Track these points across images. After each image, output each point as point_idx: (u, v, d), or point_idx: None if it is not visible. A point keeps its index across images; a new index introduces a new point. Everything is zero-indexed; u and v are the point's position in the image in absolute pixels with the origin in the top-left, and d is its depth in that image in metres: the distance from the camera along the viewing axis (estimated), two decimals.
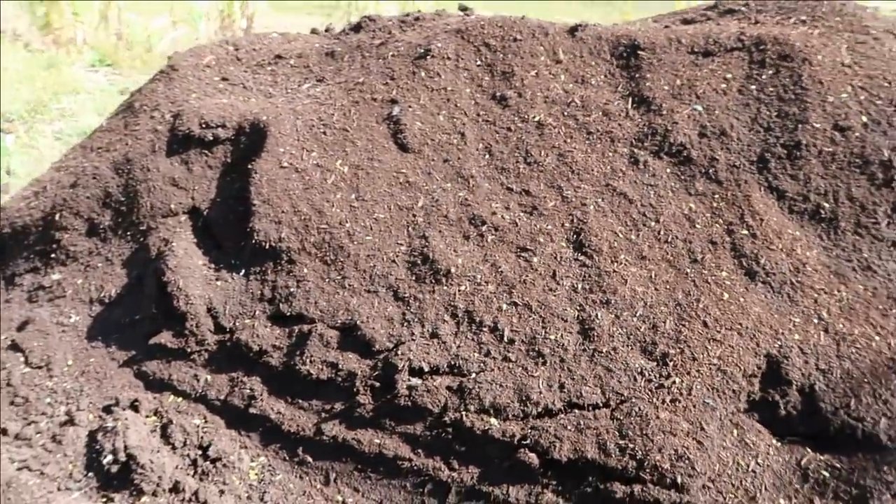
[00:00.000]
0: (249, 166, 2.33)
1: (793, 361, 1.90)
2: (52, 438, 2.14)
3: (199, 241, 2.37)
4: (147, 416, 2.16)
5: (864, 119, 2.13)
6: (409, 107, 2.36)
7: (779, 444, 1.89)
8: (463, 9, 3.05)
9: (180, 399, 2.22)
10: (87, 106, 6.45)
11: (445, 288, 2.07)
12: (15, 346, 2.38)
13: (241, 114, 2.45)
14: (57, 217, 2.56)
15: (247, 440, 2.13)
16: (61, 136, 5.75)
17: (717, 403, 1.87)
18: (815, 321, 1.96)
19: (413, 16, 2.80)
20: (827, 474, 1.83)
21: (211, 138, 2.45)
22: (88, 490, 2.02)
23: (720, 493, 1.81)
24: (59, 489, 2.01)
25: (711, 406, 1.87)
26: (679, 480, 1.78)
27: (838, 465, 1.83)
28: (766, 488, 1.82)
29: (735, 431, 1.89)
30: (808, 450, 1.87)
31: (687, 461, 1.80)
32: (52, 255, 2.58)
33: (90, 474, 2.05)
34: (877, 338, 1.92)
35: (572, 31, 2.47)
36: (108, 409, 2.20)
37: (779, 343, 1.93)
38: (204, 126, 2.45)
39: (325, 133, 2.37)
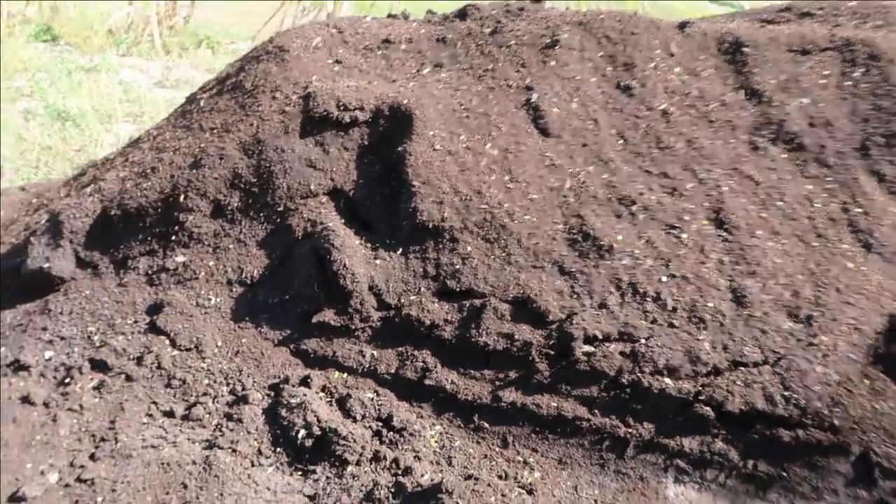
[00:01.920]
0: (400, 149, 2.39)
1: None
2: (228, 417, 2.15)
3: (347, 221, 2.42)
4: (317, 393, 2.21)
5: None
6: (545, 94, 2.51)
7: None
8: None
9: (346, 375, 2.28)
10: (45, 84, 6.07)
11: (608, 262, 2.25)
12: (156, 329, 2.35)
13: (377, 97, 2.50)
14: (181, 198, 2.51)
15: (420, 410, 2.23)
16: (32, 115, 5.40)
17: (857, 357, 2.17)
18: None
19: (516, 5, 2.92)
20: None
21: (348, 120, 2.48)
22: (280, 465, 2.06)
23: (864, 432, 2.11)
24: (252, 465, 2.04)
25: (854, 359, 2.17)
26: (836, 423, 2.07)
27: None
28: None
29: (867, 381, 2.20)
30: None
31: (841, 406, 2.08)
32: (174, 238, 2.53)
33: (279, 450, 2.09)
34: None
35: (681, 26, 2.69)
36: (276, 388, 2.23)
37: (893, 294, 2.26)
38: (342, 108, 2.48)
39: (468, 118, 2.47)
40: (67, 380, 2.26)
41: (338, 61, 2.73)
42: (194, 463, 2.00)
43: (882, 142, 2.47)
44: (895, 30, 2.68)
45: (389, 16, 3.22)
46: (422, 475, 1.96)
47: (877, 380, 2.21)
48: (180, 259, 2.51)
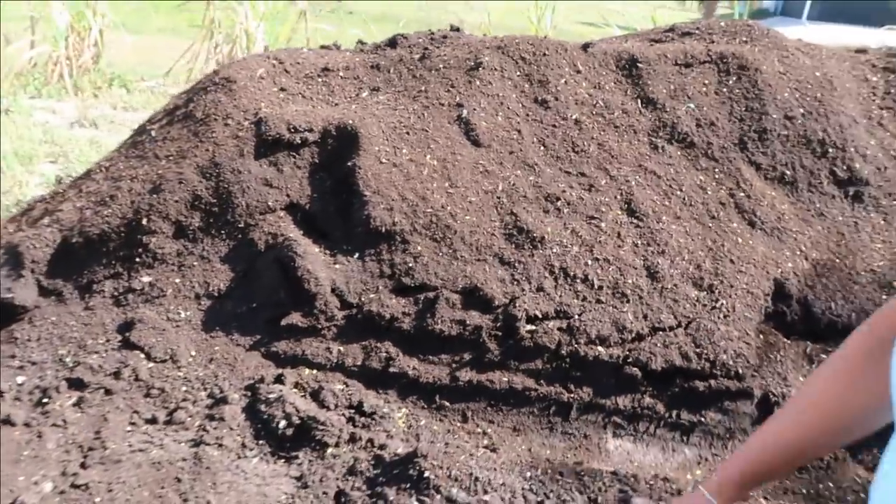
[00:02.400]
0: (350, 164, 2.65)
1: (791, 282, 2.67)
2: (210, 418, 2.32)
3: (305, 232, 2.64)
4: (291, 389, 2.41)
5: (801, 111, 2.99)
6: (474, 109, 2.84)
7: (789, 340, 2.64)
8: (455, 28, 3.56)
9: (316, 371, 2.49)
10: None
11: (541, 251, 2.58)
12: (130, 344, 2.49)
13: (324, 119, 2.76)
14: (144, 222, 2.66)
15: (386, 396, 2.47)
16: None
17: (752, 315, 2.58)
18: (798, 253, 2.75)
19: (440, 34, 3.25)
20: (824, 356, 2.61)
21: (299, 141, 2.73)
22: (264, 455, 2.24)
23: (763, 378, 2.51)
24: (238, 457, 2.21)
25: (749, 318, 2.57)
26: (740, 372, 2.46)
27: (830, 348, 2.62)
28: (789, 370, 2.56)
29: (762, 335, 2.61)
30: (809, 342, 2.64)
31: (743, 357, 2.48)
32: (138, 259, 2.68)
33: (261, 442, 2.27)
34: (836, 260, 2.76)
35: (584, 47, 3.10)
36: (252, 388, 2.41)
37: (780, 270, 2.69)
38: (292, 130, 2.72)
39: (408, 133, 2.76)
40: (45, 400, 2.36)
41: (282, 89, 2.97)
42: (184, 459, 2.16)
43: (755, 137, 2.93)
44: (757, 44, 3.18)
45: (322, 47, 3.49)
46: (395, 450, 2.20)
47: (769, 334, 2.63)
48: (146, 279, 2.65)
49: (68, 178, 5.16)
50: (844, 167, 2.92)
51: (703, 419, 2.48)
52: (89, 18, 8.87)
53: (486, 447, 2.25)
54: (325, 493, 2.07)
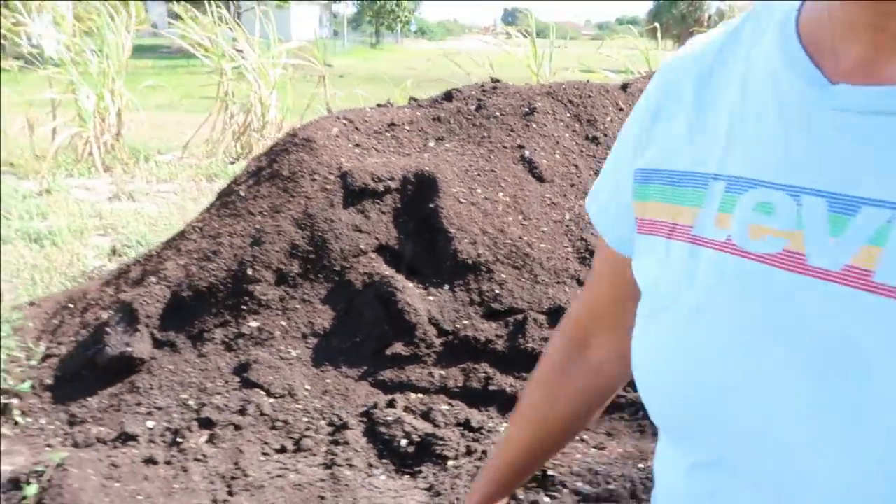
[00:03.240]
0: (432, 205, 2.94)
1: None
2: (335, 443, 2.53)
3: (396, 270, 2.90)
4: (402, 411, 2.63)
5: None
6: (534, 149, 3.15)
7: None
8: (495, 80, 3.91)
9: (421, 394, 2.71)
10: (15, 209, 6.29)
11: None
12: (250, 384, 2.71)
13: (402, 167, 3.06)
14: (249, 272, 2.92)
15: (488, 412, 2.69)
16: (4, 240, 5.58)
17: None
18: None
19: (489, 86, 3.59)
20: None
21: (381, 189, 3.01)
22: (389, 472, 2.45)
23: None
24: (367, 476, 2.42)
25: None
26: None
27: None
28: None
29: None
30: None
31: None
32: (244, 307, 2.92)
33: (384, 460, 2.48)
34: None
35: (623, 87, 3.43)
36: (367, 413, 2.63)
37: None
38: (375, 180, 3.01)
39: (478, 175, 3.06)
40: (179, 439, 2.58)
41: (357, 145, 3.27)
42: (321, 480, 2.36)
43: None
44: None
45: (379, 105, 3.82)
46: None
47: None
48: (254, 324, 2.90)
49: (123, 248, 5.44)
50: None
51: None
52: (108, 99, 9.31)
53: (594, 447, 2.47)
54: (457, 498, 2.27)
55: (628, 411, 2.69)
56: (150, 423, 2.70)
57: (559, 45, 10.61)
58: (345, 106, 9.75)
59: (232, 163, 9.07)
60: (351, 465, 2.42)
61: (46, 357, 3.20)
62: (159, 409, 2.73)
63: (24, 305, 4.15)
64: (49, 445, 2.77)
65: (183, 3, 12.19)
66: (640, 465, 2.34)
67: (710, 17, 41.96)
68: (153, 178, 8.05)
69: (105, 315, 3.19)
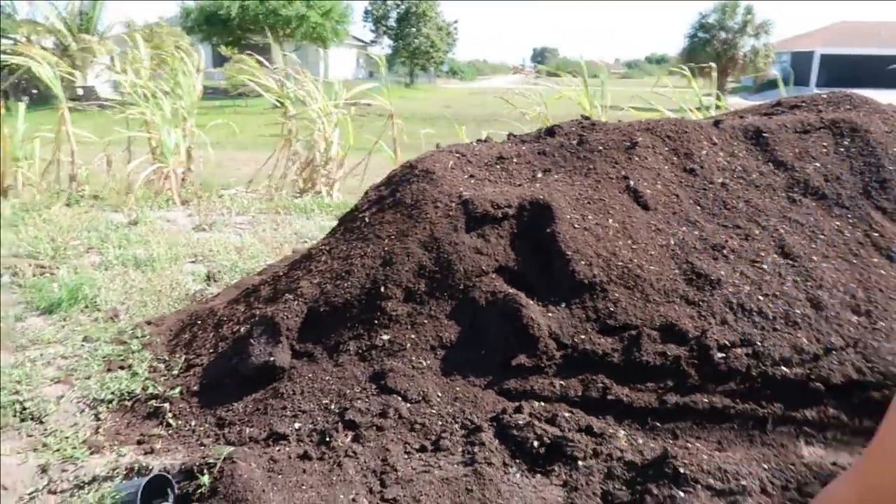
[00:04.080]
0: (549, 230, 3.21)
1: None
2: (470, 444, 2.77)
3: (515, 289, 3.16)
4: (529, 417, 2.86)
5: None
6: (638, 180, 3.41)
7: None
8: (585, 117, 4.21)
9: (543, 403, 2.94)
10: (97, 240, 6.71)
11: (719, 291, 3.07)
12: (387, 390, 2.98)
13: (518, 196, 3.34)
14: (382, 290, 3.21)
15: (605, 420, 2.90)
16: (106, 265, 5.97)
17: None
18: None
19: (582, 124, 3.89)
20: None
21: (500, 216, 3.30)
22: (522, 471, 2.67)
23: None
24: (505, 473, 2.64)
25: None
26: None
27: None
28: None
29: None
30: None
31: None
32: (376, 322, 3.20)
33: (517, 460, 2.71)
34: None
35: (716, 124, 3.70)
36: (496, 418, 2.87)
37: None
38: (494, 207, 3.30)
39: (588, 203, 3.33)
40: (327, 438, 2.84)
41: (471, 176, 3.58)
42: (465, 476, 2.60)
43: (877, 185, 3.45)
44: (861, 110, 3.76)
45: (478, 141, 4.13)
46: (637, 459, 2.62)
47: None
48: (385, 337, 3.17)
49: (219, 274, 5.78)
50: None
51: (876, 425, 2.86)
52: (178, 137, 9.86)
53: (715, 449, 2.67)
54: (593, 493, 2.49)
55: (737, 421, 2.88)
56: (297, 425, 2.97)
57: (597, 83, 10.89)
58: (409, 144, 10.14)
59: (297, 197, 9.51)
60: (489, 463, 2.66)
61: (189, 367, 3.50)
62: (303, 412, 3.00)
63: (143, 324, 4.50)
64: (203, 444, 3.06)
65: (244, 50, 12.84)
66: (765, 465, 2.53)
67: (745, 56, 42.29)
68: (227, 210, 8.49)
69: (242, 329, 3.50)
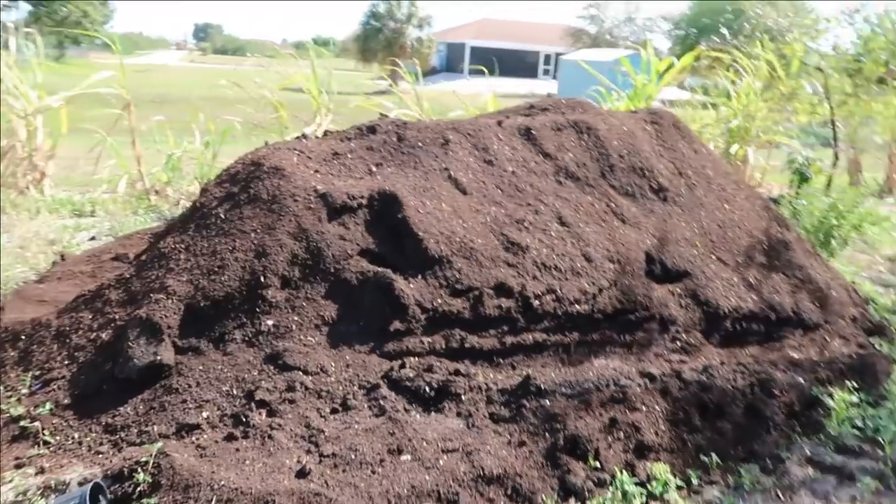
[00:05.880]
0: (400, 216, 3.81)
1: (652, 252, 4.50)
2: (374, 398, 3.29)
3: (383, 266, 3.71)
4: (412, 370, 3.48)
5: (626, 151, 4.91)
6: (456, 171, 4.20)
7: (657, 284, 4.45)
8: (383, 115, 4.86)
9: (418, 358, 3.58)
10: None
11: (529, 255, 4.03)
12: (287, 367, 3.32)
13: (367, 188, 3.87)
14: (261, 279, 3.48)
15: (465, 364, 3.65)
16: None
17: (642, 273, 4.33)
18: (648, 235, 4.60)
19: (400, 122, 4.51)
20: (680, 290, 4.47)
21: (356, 205, 3.80)
22: (420, 413, 3.29)
23: (651, 309, 4.26)
24: (410, 417, 3.23)
25: (641, 275, 4.32)
26: (648, 306, 4.17)
27: (679, 289, 4.50)
28: (669, 302, 4.34)
29: (649, 283, 4.37)
30: (668, 284, 4.48)
31: (648, 298, 4.20)
32: (258, 309, 3.48)
33: (414, 405, 3.31)
34: (667, 235, 4.67)
35: (499, 123, 4.66)
36: (386, 375, 3.43)
37: (644, 246, 4.51)
38: (350, 198, 3.79)
39: (424, 191, 4.01)
40: (243, 419, 3.10)
41: (316, 171, 3.98)
42: (383, 423, 3.12)
43: (609, 169, 4.77)
44: (589, 113, 5.07)
45: (296, 138, 4.49)
46: (504, 386, 3.44)
47: (650, 283, 4.41)
48: (270, 322, 3.47)
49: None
50: (655, 182, 4.89)
51: (634, 338, 4.13)
52: None
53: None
54: (483, 416, 3.23)
55: (552, 349, 3.88)
56: (204, 414, 3.16)
57: (264, 63, 11.12)
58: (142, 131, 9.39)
59: None
60: (397, 410, 3.23)
61: (47, 382, 3.33)
62: (206, 401, 3.19)
63: None
64: (99, 452, 3.06)
65: None
66: (571, 379, 3.54)
67: (411, 45, 46.20)
68: None
69: (105, 335, 3.44)
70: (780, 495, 3.02)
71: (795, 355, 4.19)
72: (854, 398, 3.75)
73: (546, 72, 45.01)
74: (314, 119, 10.09)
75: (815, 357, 4.16)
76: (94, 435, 3.13)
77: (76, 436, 3.13)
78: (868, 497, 3.03)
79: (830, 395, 3.72)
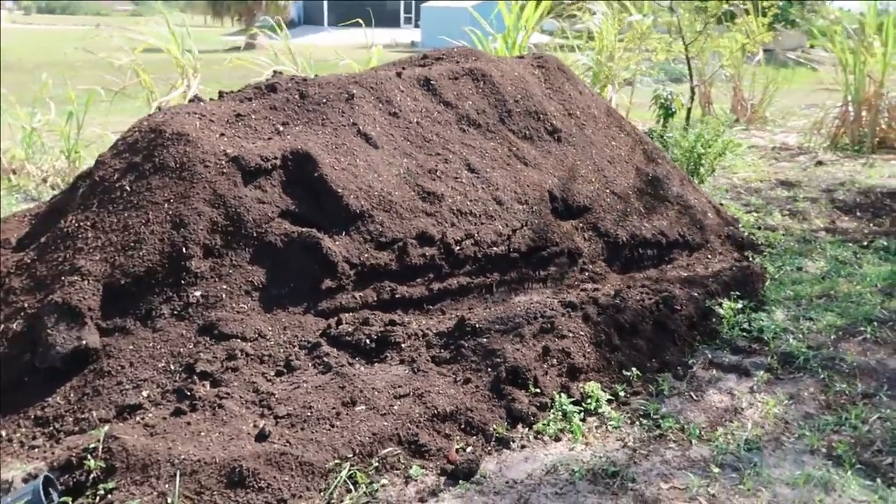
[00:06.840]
0: (317, 174, 3.78)
1: (554, 191, 4.76)
2: (316, 357, 3.32)
3: (305, 226, 3.69)
4: (349, 325, 3.54)
5: (520, 96, 5.10)
6: (364, 125, 4.20)
7: (561, 221, 4.74)
8: (277, 72, 4.73)
9: (352, 313, 3.63)
10: None
11: (444, 203, 4.15)
12: (224, 336, 3.28)
13: (279, 148, 3.80)
14: (182, 250, 3.36)
15: (397, 313, 3.75)
16: None
17: (548, 212, 4.59)
18: (549, 175, 4.86)
19: (300, 78, 4.39)
20: (584, 226, 4.78)
21: (270, 167, 3.72)
22: (364, 365, 3.37)
23: (557, 244, 4.55)
24: (353, 368, 3.30)
25: (547, 213, 4.58)
26: (557, 241, 4.45)
27: (582, 224, 4.81)
28: (579, 241, 4.65)
29: (554, 222, 4.64)
30: (571, 220, 4.78)
31: (556, 234, 4.47)
32: (183, 281, 3.38)
33: (357, 358, 3.38)
34: (565, 174, 4.95)
35: (398, 74, 4.68)
36: (325, 333, 3.47)
37: (547, 186, 4.76)
38: (263, 160, 3.70)
39: (336, 147, 3.99)
40: (188, 393, 3.05)
41: (222, 134, 3.84)
42: (332, 379, 3.18)
43: (507, 115, 4.94)
44: (482, 60, 5.19)
45: (190, 100, 4.28)
46: (439, 331, 3.58)
47: (554, 221, 4.69)
48: (198, 293, 3.38)
49: None
50: (549, 124, 5.13)
51: (548, 272, 4.40)
52: None
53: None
54: (425, 360, 3.37)
55: (476, 291, 4.06)
56: (144, 393, 3.07)
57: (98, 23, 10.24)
58: None
59: None
60: (342, 365, 3.29)
61: None
62: (144, 380, 3.10)
63: None
64: (34, 447, 2.90)
65: None
66: (500, 316, 3.76)
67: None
68: None
69: (16, 325, 3.21)
70: (693, 395, 3.42)
71: (686, 274, 4.64)
72: (739, 305, 4.25)
73: (408, 20, 44.53)
74: (181, 81, 9.51)
75: (703, 273, 4.64)
76: (24, 430, 2.96)
77: (3, 433, 2.94)
78: (763, 387, 3.50)
79: (720, 305, 4.19)
